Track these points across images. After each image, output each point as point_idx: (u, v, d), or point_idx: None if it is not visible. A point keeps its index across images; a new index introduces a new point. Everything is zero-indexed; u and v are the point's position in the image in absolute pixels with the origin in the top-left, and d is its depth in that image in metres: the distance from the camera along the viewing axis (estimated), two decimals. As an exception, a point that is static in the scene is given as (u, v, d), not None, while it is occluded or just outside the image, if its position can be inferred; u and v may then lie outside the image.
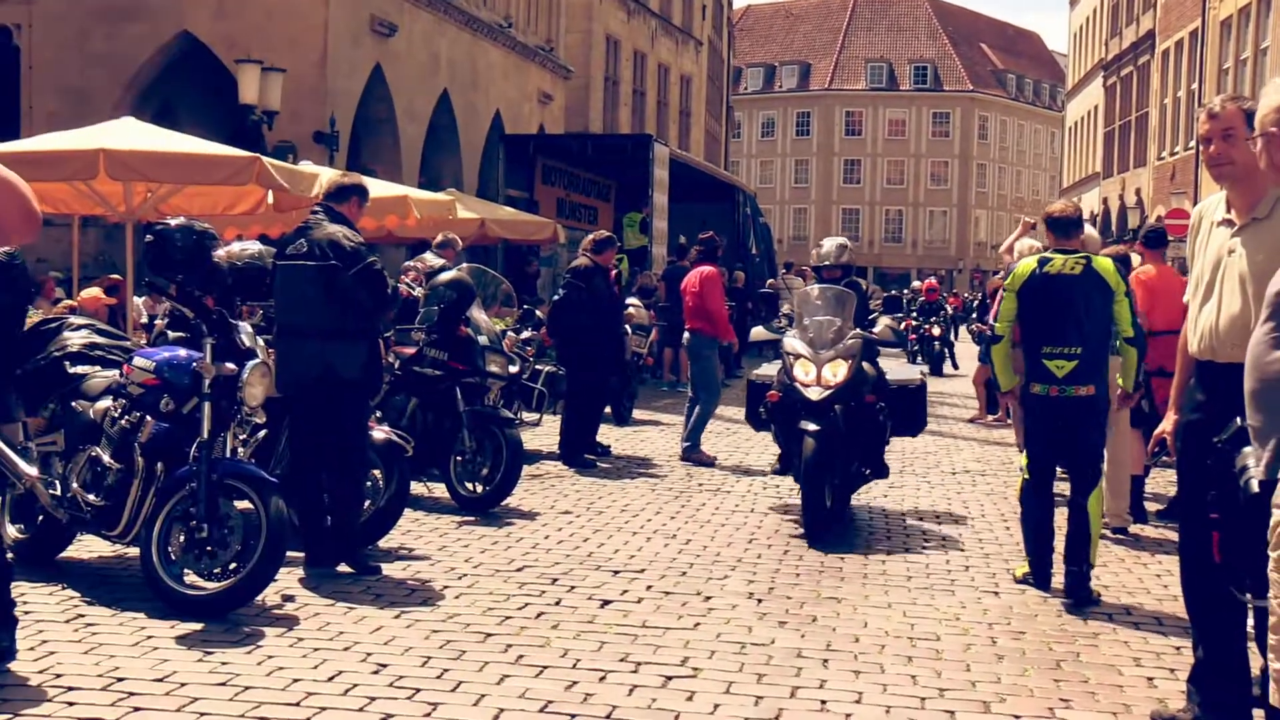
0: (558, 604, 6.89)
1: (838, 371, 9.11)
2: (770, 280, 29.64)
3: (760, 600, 7.15)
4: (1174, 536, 9.27)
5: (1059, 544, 7.57)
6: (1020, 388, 7.72)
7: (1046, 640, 6.49)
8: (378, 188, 14.79)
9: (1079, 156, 55.84)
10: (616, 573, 7.67)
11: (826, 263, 10.54)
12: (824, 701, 5.45)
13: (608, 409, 15.89)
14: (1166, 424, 5.25)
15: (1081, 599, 7.21)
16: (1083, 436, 7.45)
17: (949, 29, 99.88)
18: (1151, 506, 10.24)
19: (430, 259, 12.50)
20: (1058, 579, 7.47)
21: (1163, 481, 11.55)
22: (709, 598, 7.16)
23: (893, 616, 6.89)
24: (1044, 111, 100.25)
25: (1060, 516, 7.68)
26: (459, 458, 9.71)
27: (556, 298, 12.48)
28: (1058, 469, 7.88)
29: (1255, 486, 3.91)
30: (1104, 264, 7.52)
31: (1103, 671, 6.00)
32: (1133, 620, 6.96)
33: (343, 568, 7.42)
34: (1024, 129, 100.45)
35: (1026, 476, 7.62)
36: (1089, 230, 9.57)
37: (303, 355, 7.39)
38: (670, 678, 5.67)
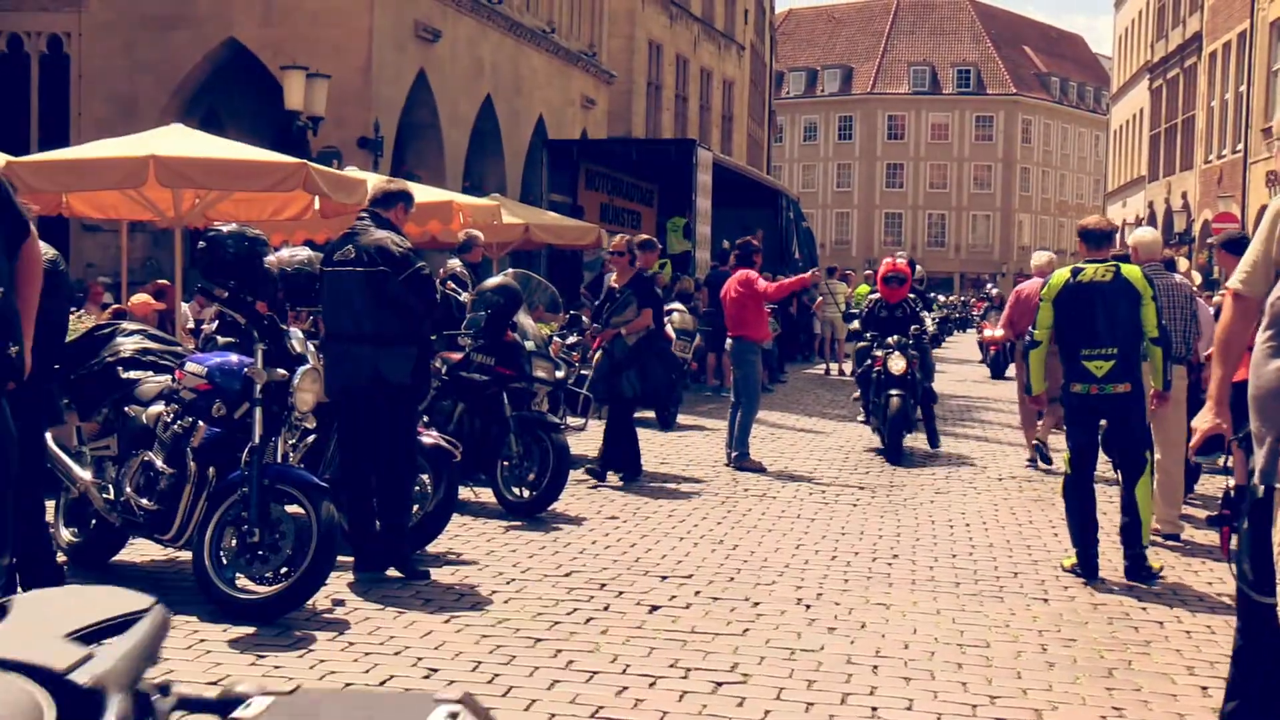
0: (606, 609, 6.90)
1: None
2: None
3: (809, 606, 7.15)
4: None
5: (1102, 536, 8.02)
6: (1060, 389, 8.20)
7: (1098, 648, 6.45)
8: (422, 193, 14.86)
9: (1124, 160, 55.46)
10: (664, 578, 7.68)
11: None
12: (874, 709, 5.44)
13: (652, 414, 15.93)
14: (1208, 417, 4.87)
15: (1144, 578, 7.82)
16: (1125, 429, 8.03)
17: (992, 32, 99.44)
18: (1200, 513, 10.17)
19: (452, 263, 12.48)
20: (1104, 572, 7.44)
21: (1211, 487, 11.46)
22: (757, 603, 7.16)
23: (942, 623, 6.87)
24: (1088, 115, 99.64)
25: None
26: (506, 463, 9.74)
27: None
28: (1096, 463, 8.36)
29: (1260, 492, 4.09)
30: (1132, 271, 8.09)
31: (1156, 680, 5.96)
32: (1184, 629, 6.91)
33: (392, 572, 7.46)
34: (1068, 132, 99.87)
35: (1068, 471, 8.10)
36: (1150, 232, 9.61)
37: (352, 360, 7.43)
38: (720, 684, 5.67)
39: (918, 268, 16.46)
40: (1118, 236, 9.44)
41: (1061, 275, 8.13)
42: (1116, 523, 8.48)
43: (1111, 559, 8.27)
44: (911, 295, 14.14)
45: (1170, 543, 9.14)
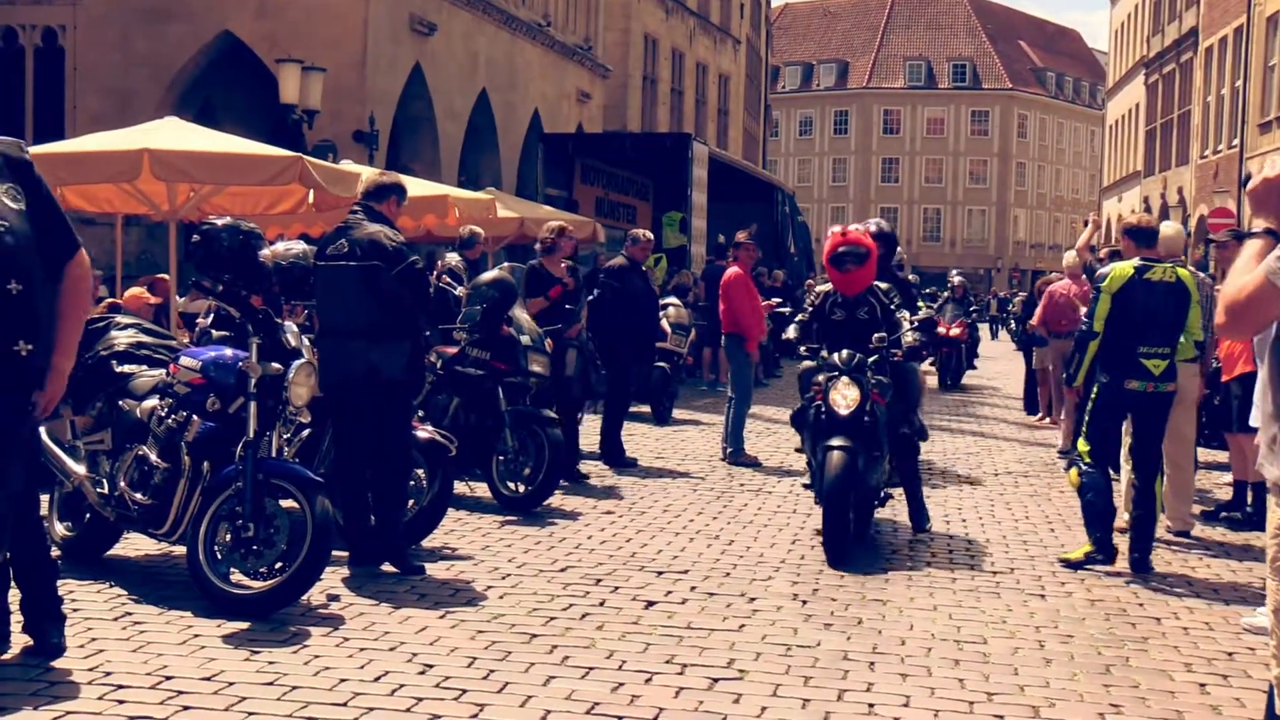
0: (602, 605, 6.88)
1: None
2: (808, 279, 29.55)
3: (805, 602, 7.12)
4: (1225, 540, 9.23)
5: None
6: (1100, 383, 8.25)
7: (1095, 645, 6.43)
8: (417, 187, 14.83)
9: (1120, 155, 55.48)
10: (660, 574, 7.66)
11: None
12: (871, 705, 5.42)
13: (647, 408, 15.91)
14: None
15: (1147, 570, 8.04)
16: (1157, 428, 8.26)
17: (988, 27, 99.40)
18: (1196, 508, 10.16)
19: (450, 258, 12.44)
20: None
21: (1207, 483, 11.46)
22: (753, 599, 7.14)
23: (938, 619, 6.85)
24: (1084, 109, 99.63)
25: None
26: (501, 457, 9.71)
27: (591, 297, 12.45)
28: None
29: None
30: (1186, 274, 8.27)
31: (1153, 677, 5.94)
32: (1182, 625, 6.89)
33: (387, 567, 7.43)
34: (1064, 127, 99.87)
35: (1088, 462, 8.17)
36: (1172, 226, 9.67)
37: (346, 355, 7.40)
38: (716, 680, 5.65)
39: (899, 252, 11.16)
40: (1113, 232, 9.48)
41: (1125, 270, 8.15)
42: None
43: (1108, 555, 8.26)
44: (884, 285, 9.18)
45: (1179, 538, 9.14)
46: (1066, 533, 9.28)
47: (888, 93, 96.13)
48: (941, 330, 20.93)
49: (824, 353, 8.75)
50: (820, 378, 8.55)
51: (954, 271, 27.47)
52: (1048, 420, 16.31)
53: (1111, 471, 8.75)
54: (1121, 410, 8.20)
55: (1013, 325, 41.50)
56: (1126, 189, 51.81)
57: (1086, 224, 14.50)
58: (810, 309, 9.23)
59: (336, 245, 7.51)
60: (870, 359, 8.52)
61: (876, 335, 8.62)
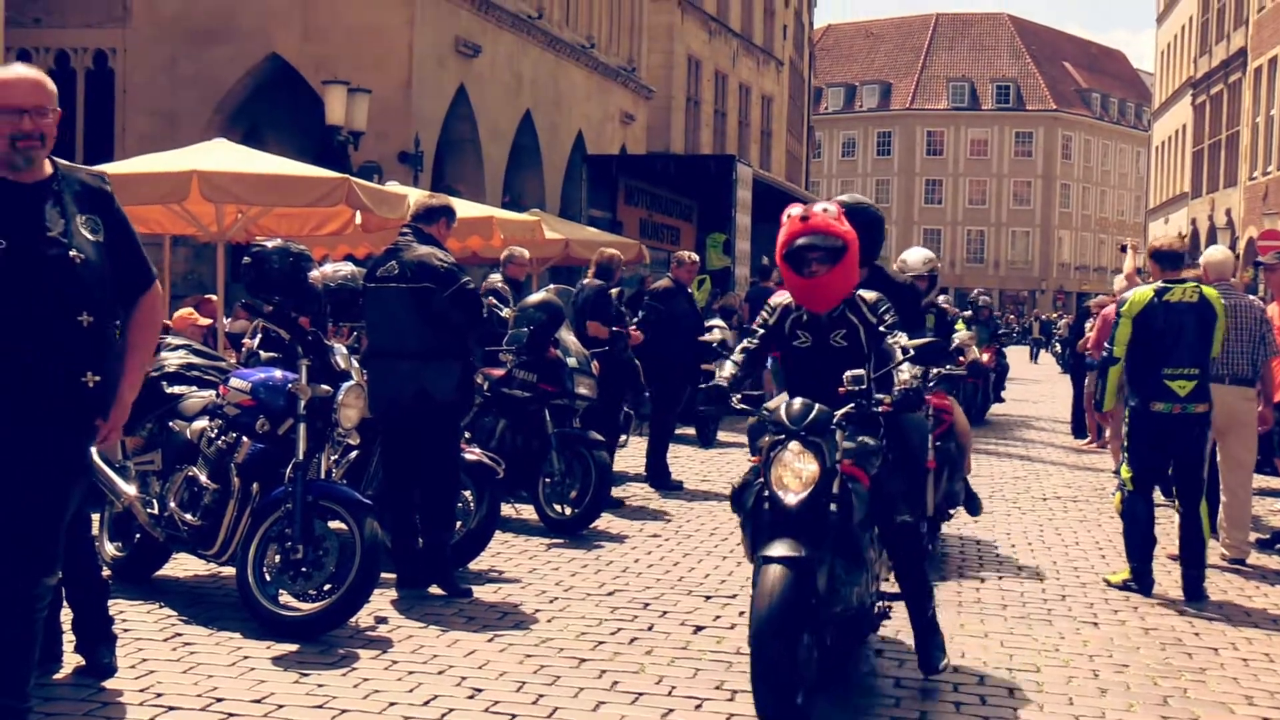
0: (650, 629, 6.84)
1: None
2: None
3: (854, 628, 7.05)
4: (1281, 568, 9.10)
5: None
6: (1130, 407, 8.23)
7: (1151, 675, 6.34)
8: (463, 208, 14.85)
9: (1166, 176, 55.09)
10: (708, 598, 7.60)
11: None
12: (925, 734, 5.35)
13: (692, 430, 15.87)
14: None
15: (1200, 597, 7.92)
16: (1193, 450, 8.13)
17: (1032, 48, 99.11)
18: (1252, 536, 10.02)
19: (493, 279, 12.45)
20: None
21: (1261, 510, 11.31)
22: (802, 625, 7.06)
23: (990, 646, 6.77)
24: (1129, 131, 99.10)
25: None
26: (547, 479, 9.69)
27: (637, 320, 12.43)
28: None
29: None
30: (1211, 292, 8.19)
31: (1213, 710, 5.83)
32: (1241, 656, 6.78)
33: (434, 590, 7.42)
34: (1109, 148, 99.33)
35: (1130, 488, 8.13)
36: (1221, 251, 9.58)
37: (396, 377, 7.40)
38: (767, 707, 5.58)
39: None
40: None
41: (1145, 294, 8.16)
42: (1166, 545, 8.39)
43: (1160, 581, 8.15)
44: (869, 296, 5.98)
45: (1235, 566, 9.01)
46: (1118, 559, 9.16)
47: (931, 114, 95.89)
48: (977, 355, 19.23)
49: (771, 402, 5.58)
50: (764, 442, 5.48)
51: (978, 291, 25.63)
52: (1094, 444, 16.18)
53: (1165, 498, 8.66)
54: (1153, 433, 8.10)
55: (1058, 348, 41.28)
56: (1173, 211, 51.43)
57: (1124, 249, 14.37)
58: (759, 333, 6.09)
59: (386, 267, 7.52)
60: (840, 411, 5.46)
61: (850, 374, 5.50)
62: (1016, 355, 40.74)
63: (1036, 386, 30.59)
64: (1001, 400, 22.89)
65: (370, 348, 7.76)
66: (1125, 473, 8.27)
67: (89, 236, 4.20)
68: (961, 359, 9.39)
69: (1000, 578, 8.55)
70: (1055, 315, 62.41)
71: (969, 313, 22.89)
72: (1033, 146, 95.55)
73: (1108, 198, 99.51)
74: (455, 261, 7.64)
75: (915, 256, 9.42)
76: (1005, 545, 9.76)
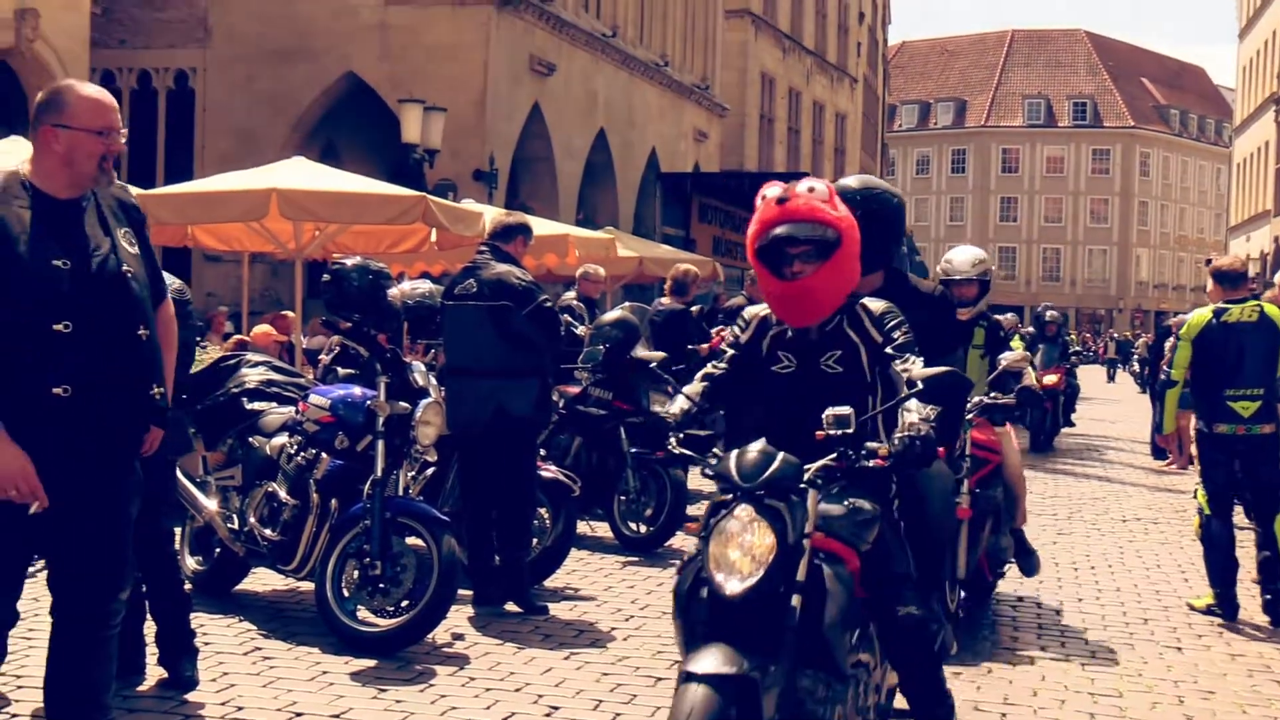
0: (726, 649, 6.79)
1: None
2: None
3: (933, 650, 6.97)
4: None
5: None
6: (1196, 430, 8.15)
7: (1239, 702, 6.22)
8: (537, 226, 14.87)
9: (1248, 194, 54.28)
10: (784, 618, 7.54)
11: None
12: (1006, 759, 5.27)
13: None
14: None
15: None
16: (1264, 470, 7.95)
17: (1109, 64, 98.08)
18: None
19: (567, 296, 12.49)
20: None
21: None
22: (879, 646, 6.99)
23: (1071, 670, 6.67)
24: (1209, 147, 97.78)
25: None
26: (623, 497, 9.68)
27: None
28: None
29: None
30: (1275, 311, 8.07)
31: (1301, 736, 5.73)
32: (1329, 682, 6.64)
33: (510, 607, 7.43)
34: (1188, 165, 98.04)
35: (1207, 511, 8.04)
36: None
37: (474, 395, 7.41)
38: (845, 729, 5.53)
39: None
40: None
41: (1203, 316, 8.09)
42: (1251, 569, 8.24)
43: (1246, 606, 8.00)
44: (877, 306, 4.51)
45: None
46: (1201, 582, 8.97)
47: (1006, 131, 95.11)
48: (1031, 381, 16.66)
49: (719, 446, 4.29)
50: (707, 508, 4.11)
51: (1044, 305, 22.62)
52: (1174, 466, 15.93)
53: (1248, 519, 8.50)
54: (1221, 455, 8.00)
55: (1136, 367, 40.70)
56: (1255, 228, 50.66)
57: (1209, 264, 14.14)
58: (728, 354, 4.70)
59: (464, 285, 7.54)
60: (815, 464, 4.06)
61: (831, 413, 4.10)
62: (1091, 375, 40.23)
63: (1114, 406, 30.21)
64: (1072, 424, 21.65)
65: (448, 365, 7.79)
66: (1200, 496, 8.18)
67: (131, 250, 4.25)
68: (1021, 384, 7.50)
69: (1080, 600, 8.43)
70: (1132, 334, 61.54)
71: (1032, 329, 21.04)
72: (1110, 164, 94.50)
73: (1187, 215, 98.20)
74: (533, 280, 7.66)
75: (963, 256, 7.79)
76: (1085, 567, 9.63)
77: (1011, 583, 8.81)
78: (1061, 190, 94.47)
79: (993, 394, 7.37)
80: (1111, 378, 48.58)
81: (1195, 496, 8.34)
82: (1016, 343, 9.07)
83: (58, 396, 3.98)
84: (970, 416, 6.84)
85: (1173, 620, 7.91)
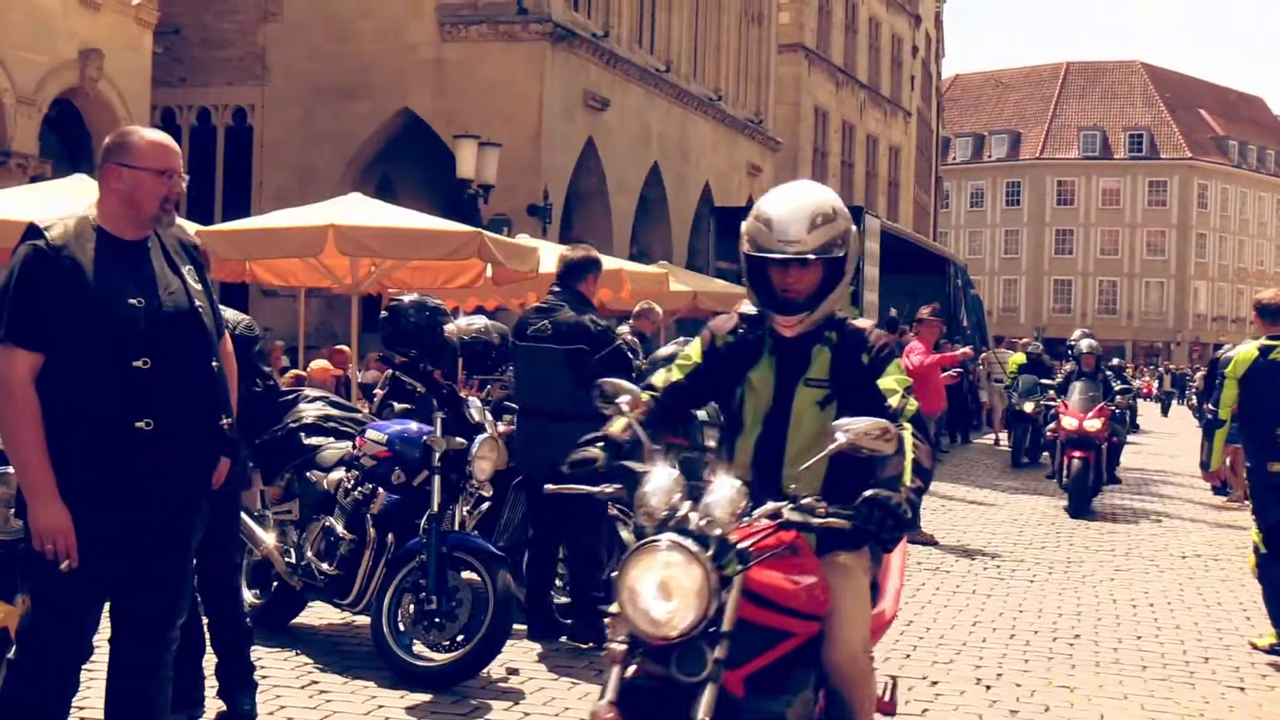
0: (781, 685, 6.77)
1: None
2: (983, 354, 29.07)
3: (989, 687, 6.93)
4: None
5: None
6: (1247, 468, 8.00)
7: (1301, 741, 6.15)
8: (593, 261, 14.98)
9: (1307, 225, 53.67)
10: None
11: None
12: (1064, 799, 5.23)
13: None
14: None
15: None
16: None
17: (1165, 95, 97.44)
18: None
19: (621, 330, 12.49)
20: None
21: None
22: (935, 682, 6.97)
23: (1130, 709, 6.61)
24: (1269, 179, 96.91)
25: None
26: (678, 532, 9.66)
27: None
28: None
29: None
30: None
31: (1366, 778, 5.64)
32: (1394, 722, 6.55)
33: (564, 641, 7.43)
34: (1247, 197, 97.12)
35: (1263, 550, 7.89)
36: None
37: (549, 437, 7.36)
38: (901, 767, 5.50)
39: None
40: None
41: (1249, 353, 7.97)
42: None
43: (1309, 645, 7.90)
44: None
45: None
46: (1263, 621, 8.88)
47: (1061, 163, 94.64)
48: (1071, 421, 14.88)
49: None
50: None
51: (1079, 333, 17.41)
52: (1235, 502, 15.74)
53: None
54: (1273, 494, 7.85)
55: (1193, 400, 40.15)
56: (1314, 261, 50.06)
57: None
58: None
59: (539, 326, 7.57)
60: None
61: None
62: (1144, 410, 39.65)
63: (1171, 440, 29.89)
64: (1117, 481, 17.37)
65: (521, 407, 7.80)
66: (1255, 535, 8.07)
67: (197, 286, 4.34)
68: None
69: (1139, 637, 8.35)
70: (1190, 367, 60.76)
71: (1070, 364, 16.67)
72: (1167, 195, 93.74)
73: (1246, 247, 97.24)
74: (608, 325, 7.68)
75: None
76: (1144, 604, 9.54)
77: (1069, 619, 8.75)
78: (1118, 223, 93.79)
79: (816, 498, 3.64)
80: (1165, 411, 47.96)
81: (1252, 534, 8.25)
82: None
83: (141, 430, 4.07)
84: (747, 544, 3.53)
85: (1235, 659, 7.82)
